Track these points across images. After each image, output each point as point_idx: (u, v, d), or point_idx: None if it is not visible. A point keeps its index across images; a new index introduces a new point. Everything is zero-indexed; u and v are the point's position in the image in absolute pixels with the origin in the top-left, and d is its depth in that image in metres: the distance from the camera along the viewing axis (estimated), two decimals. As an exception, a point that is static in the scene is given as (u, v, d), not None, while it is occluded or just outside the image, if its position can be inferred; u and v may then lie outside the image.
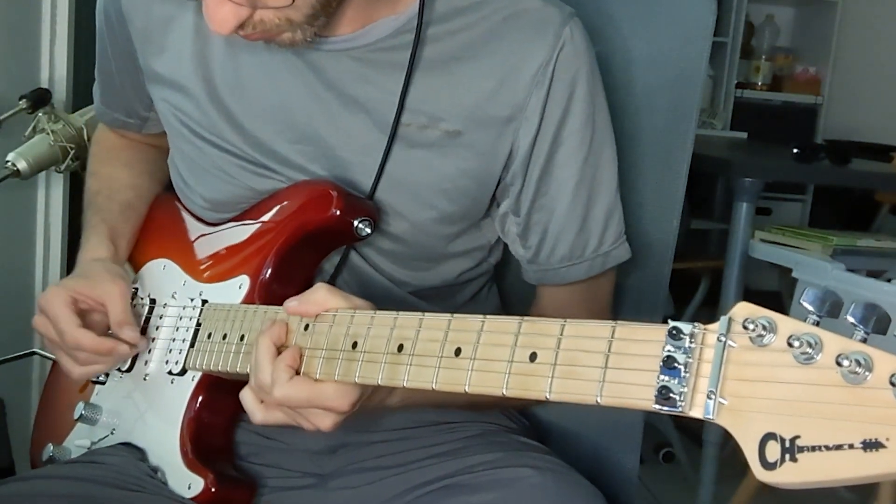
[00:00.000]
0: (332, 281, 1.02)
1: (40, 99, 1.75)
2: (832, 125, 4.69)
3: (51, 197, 1.93)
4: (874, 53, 4.64)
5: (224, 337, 0.97)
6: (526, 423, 1.16)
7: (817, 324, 0.58)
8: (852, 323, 0.56)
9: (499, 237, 1.09)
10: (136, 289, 1.12)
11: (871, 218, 3.76)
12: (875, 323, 0.56)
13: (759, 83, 4.73)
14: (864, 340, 0.56)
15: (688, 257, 2.93)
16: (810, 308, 0.59)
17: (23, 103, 1.73)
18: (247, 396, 0.88)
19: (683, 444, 2.83)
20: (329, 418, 0.85)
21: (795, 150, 2.62)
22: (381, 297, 1.04)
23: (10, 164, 1.68)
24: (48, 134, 1.72)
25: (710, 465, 2.37)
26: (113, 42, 1.12)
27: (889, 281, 2.14)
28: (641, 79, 1.16)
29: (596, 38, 1.04)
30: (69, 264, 1.95)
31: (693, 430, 2.84)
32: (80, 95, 1.90)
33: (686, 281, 2.97)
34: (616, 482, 1.17)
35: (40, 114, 1.74)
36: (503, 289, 1.19)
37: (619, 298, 1.15)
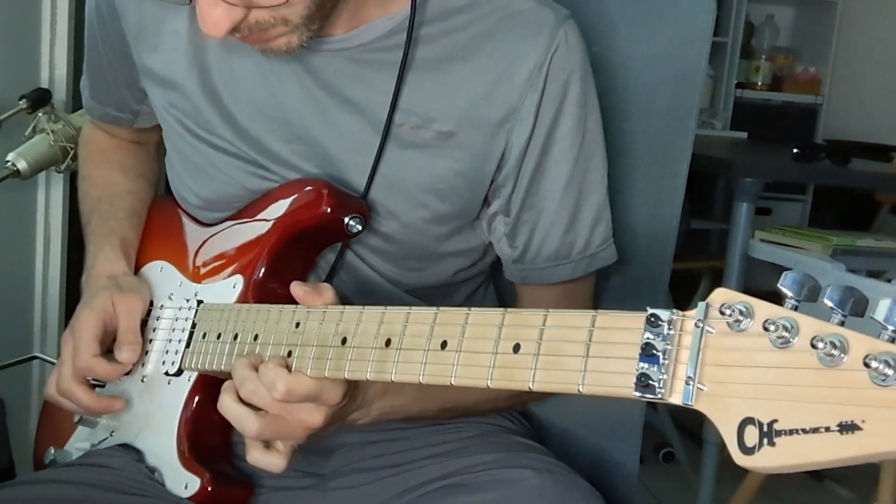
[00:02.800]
0: (328, 279, 1.02)
1: (40, 99, 1.75)
2: (832, 125, 4.68)
3: (51, 197, 1.93)
4: (874, 53, 4.64)
5: (218, 336, 0.97)
6: (525, 423, 1.16)
7: (796, 308, 0.58)
8: (830, 306, 0.56)
9: None
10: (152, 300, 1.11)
11: (871, 218, 3.76)
12: (853, 306, 0.56)
13: (759, 83, 4.73)
14: (842, 323, 0.56)
15: (688, 257, 2.93)
16: (788, 293, 0.58)
17: (23, 103, 1.73)
18: (235, 408, 0.86)
19: (683, 444, 2.84)
20: (321, 413, 0.85)
21: (795, 150, 2.62)
22: (379, 296, 1.04)
23: (10, 164, 1.68)
24: (48, 134, 1.72)
25: (710, 465, 2.38)
26: (105, 37, 1.12)
27: (889, 281, 2.15)
28: (641, 79, 1.16)
29: (595, 38, 1.04)
30: (69, 265, 1.95)
31: (693, 430, 2.84)
32: (80, 95, 1.90)
33: (686, 281, 2.97)
34: (616, 482, 1.17)
35: (40, 114, 1.74)
36: (500, 288, 1.19)
37: (619, 299, 1.16)
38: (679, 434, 2.84)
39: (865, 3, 4.66)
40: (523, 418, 1.16)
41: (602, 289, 1.14)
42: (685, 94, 1.16)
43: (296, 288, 0.89)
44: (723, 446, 0.57)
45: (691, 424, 2.88)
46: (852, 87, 4.65)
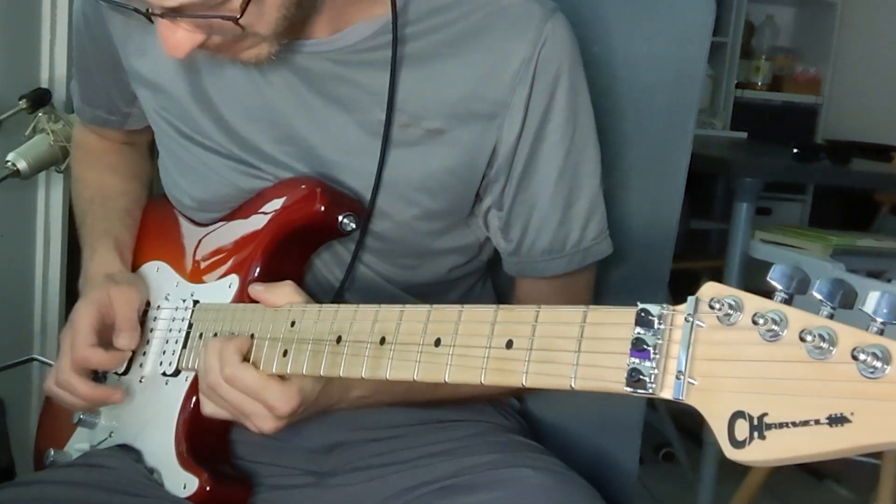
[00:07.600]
0: (341, 284, 1.02)
1: (40, 99, 1.75)
2: (832, 125, 4.69)
3: (51, 197, 1.93)
4: (874, 53, 4.64)
5: (215, 336, 0.97)
6: (524, 422, 1.16)
7: (786, 301, 0.58)
8: (819, 299, 0.56)
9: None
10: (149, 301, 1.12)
11: (871, 218, 3.76)
12: (842, 298, 0.56)
13: (759, 83, 4.73)
14: (831, 316, 0.56)
15: (688, 257, 2.93)
16: (777, 286, 0.58)
17: (23, 103, 1.73)
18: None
19: (683, 444, 2.84)
20: (270, 421, 0.87)
21: (795, 150, 2.62)
22: (375, 294, 1.04)
23: (10, 164, 1.68)
24: (48, 134, 1.72)
25: (710, 465, 2.38)
26: (92, 41, 1.12)
27: (889, 281, 2.15)
28: (641, 79, 1.17)
29: (595, 38, 1.04)
30: (69, 265, 1.95)
31: (693, 430, 2.84)
32: (80, 96, 1.89)
33: (686, 281, 2.96)
34: (616, 482, 1.17)
35: (40, 114, 1.74)
36: (497, 284, 1.19)
37: (618, 298, 1.15)
38: (679, 434, 2.84)
39: (865, 4, 4.66)
40: (522, 417, 1.16)
41: (601, 288, 1.14)
42: (685, 94, 1.16)
43: (253, 289, 0.93)
44: (723, 446, 0.57)
45: (691, 424, 2.88)
46: (852, 87, 4.65)
